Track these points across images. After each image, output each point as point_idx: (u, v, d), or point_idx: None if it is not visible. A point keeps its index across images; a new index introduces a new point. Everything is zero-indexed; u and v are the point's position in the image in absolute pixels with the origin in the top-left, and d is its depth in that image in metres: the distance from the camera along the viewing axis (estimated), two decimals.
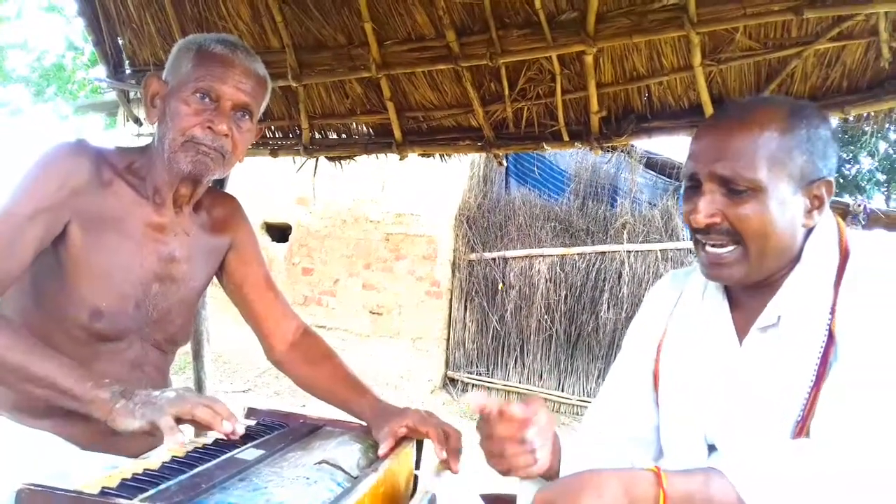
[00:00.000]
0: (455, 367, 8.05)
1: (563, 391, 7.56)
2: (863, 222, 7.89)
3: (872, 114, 2.28)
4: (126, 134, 8.15)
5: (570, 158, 8.96)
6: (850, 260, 1.22)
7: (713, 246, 1.26)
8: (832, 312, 1.19)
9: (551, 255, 7.61)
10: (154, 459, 1.20)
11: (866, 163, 16.26)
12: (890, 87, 2.17)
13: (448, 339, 8.10)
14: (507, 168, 8.48)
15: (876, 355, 1.09)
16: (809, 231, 1.27)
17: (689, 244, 7.23)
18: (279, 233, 9.11)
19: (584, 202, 8.34)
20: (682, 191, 1.35)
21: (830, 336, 1.17)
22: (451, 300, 8.06)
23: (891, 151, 15.42)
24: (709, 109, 2.32)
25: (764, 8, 2.07)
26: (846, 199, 9.85)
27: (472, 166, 8.02)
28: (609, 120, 2.53)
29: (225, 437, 1.33)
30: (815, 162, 1.22)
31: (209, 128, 1.54)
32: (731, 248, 1.24)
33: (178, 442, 1.26)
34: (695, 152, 1.29)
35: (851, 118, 2.27)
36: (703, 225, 1.24)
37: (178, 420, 1.30)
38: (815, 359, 1.18)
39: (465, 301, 7.95)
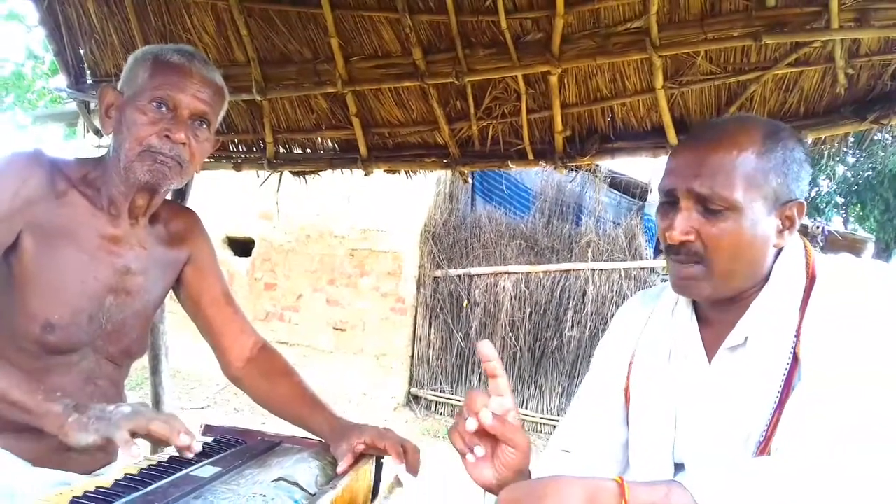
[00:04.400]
0: (419, 384, 8.01)
1: (526, 409, 7.56)
2: (821, 244, 8.06)
3: (829, 138, 2.34)
4: (87, 145, 8.03)
5: (535, 177, 9.03)
6: (816, 284, 1.24)
7: (681, 263, 1.28)
8: (797, 336, 1.20)
9: (516, 273, 7.64)
10: (107, 477, 1.18)
11: (825, 186, 16.63)
12: (846, 112, 2.23)
13: (412, 356, 8.06)
14: (472, 185, 8.50)
15: (837, 377, 1.10)
16: (779, 252, 1.29)
17: (652, 263, 7.33)
18: (242, 247, 9.01)
19: (550, 220, 8.38)
20: (657, 206, 1.36)
21: (795, 359, 1.19)
22: (415, 317, 8.03)
23: (849, 175, 15.79)
24: (671, 131, 2.36)
25: (724, 33, 2.13)
26: (806, 220, 10.07)
27: (438, 183, 8.03)
28: (573, 140, 2.57)
29: (180, 454, 1.31)
30: (789, 184, 1.25)
31: (166, 136, 1.51)
32: (697, 266, 1.26)
33: (133, 456, 1.24)
34: (673, 169, 1.30)
35: (808, 142, 2.33)
36: (677, 242, 1.26)
37: (134, 435, 1.28)
38: (779, 381, 1.19)
39: (430, 318, 7.93)
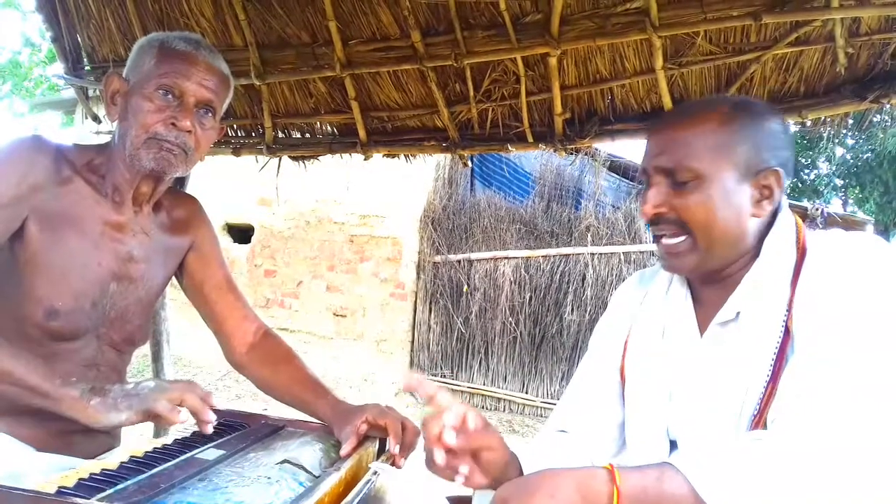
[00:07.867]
0: (419, 369, 8.03)
1: (527, 393, 7.60)
2: (820, 226, 8.05)
3: (829, 118, 2.33)
4: (84, 132, 8.00)
5: (534, 161, 9.01)
6: (806, 257, 1.24)
7: (666, 237, 1.31)
8: (789, 309, 1.21)
9: (516, 258, 7.65)
10: (112, 459, 1.18)
11: (824, 168, 16.61)
12: (846, 91, 2.23)
13: (412, 342, 8.08)
14: (472, 170, 8.49)
15: (830, 350, 1.10)
16: (768, 227, 1.30)
17: (652, 247, 7.33)
18: (241, 234, 9.01)
19: (549, 205, 8.38)
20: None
21: (787, 332, 1.20)
22: (415, 302, 8.04)
23: (848, 157, 15.77)
24: None
25: (724, 13, 2.12)
26: (805, 203, 10.09)
27: (437, 168, 8.02)
28: (573, 122, 2.56)
29: (199, 428, 1.36)
30: (761, 153, 1.26)
31: (172, 124, 1.52)
32: (681, 238, 1.29)
33: (181, 422, 1.30)
34: (645, 151, 1.35)
35: (808, 122, 2.33)
36: (650, 215, 1.30)
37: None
38: (771, 354, 1.20)
39: (430, 303, 7.95)
